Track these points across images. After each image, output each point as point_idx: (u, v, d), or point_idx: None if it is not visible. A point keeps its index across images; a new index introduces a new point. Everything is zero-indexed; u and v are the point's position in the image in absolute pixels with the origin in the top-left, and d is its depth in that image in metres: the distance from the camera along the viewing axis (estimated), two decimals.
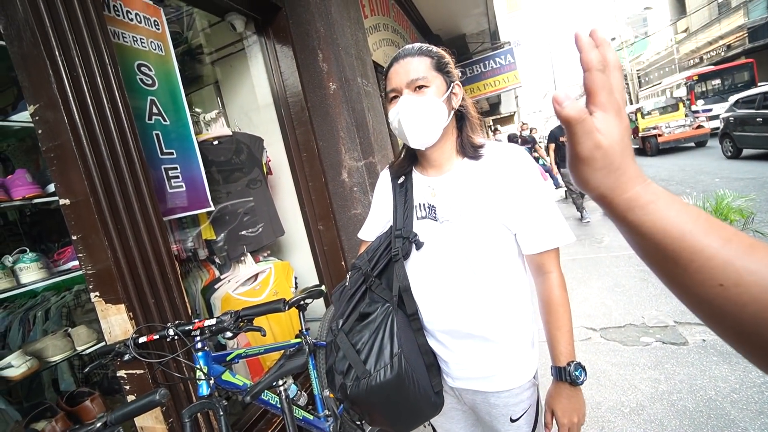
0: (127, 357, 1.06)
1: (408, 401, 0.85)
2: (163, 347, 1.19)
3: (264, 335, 1.04)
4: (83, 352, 1.24)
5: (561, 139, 4.53)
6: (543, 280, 0.89)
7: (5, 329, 1.73)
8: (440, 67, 0.90)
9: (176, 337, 1.04)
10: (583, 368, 0.84)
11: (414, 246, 0.92)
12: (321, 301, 2.35)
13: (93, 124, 1.12)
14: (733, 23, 15.60)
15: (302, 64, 2.31)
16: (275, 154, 2.40)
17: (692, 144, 10.96)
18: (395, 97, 0.90)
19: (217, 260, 2.03)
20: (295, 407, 1.44)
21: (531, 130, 8.49)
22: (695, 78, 14.02)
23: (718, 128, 8.63)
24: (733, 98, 8.23)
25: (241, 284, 1.95)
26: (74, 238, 1.16)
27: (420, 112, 0.85)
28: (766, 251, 0.28)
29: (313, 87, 2.32)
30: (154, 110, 1.52)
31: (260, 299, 1.98)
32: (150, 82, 1.51)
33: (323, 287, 2.00)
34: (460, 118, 0.94)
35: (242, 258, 2.02)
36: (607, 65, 0.33)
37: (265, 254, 2.28)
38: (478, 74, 7.92)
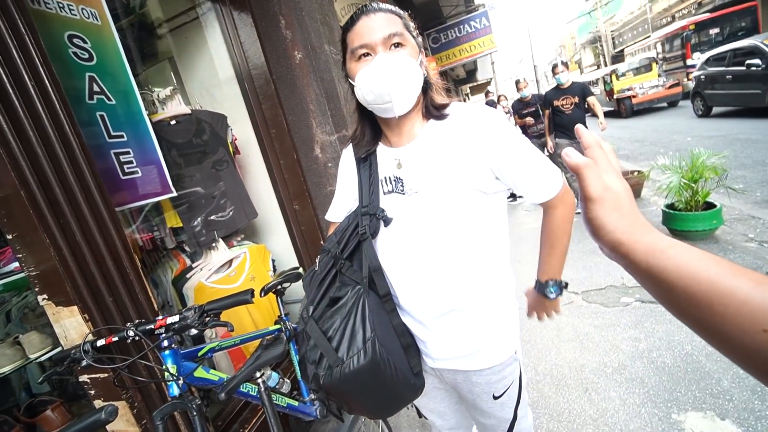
0: (84, 363, 0.97)
1: (385, 386, 0.82)
2: (128, 348, 1.11)
3: (231, 330, 0.96)
4: (37, 360, 1.14)
5: (556, 102, 4.03)
6: (546, 214, 0.90)
7: None
8: (409, 29, 0.82)
9: (136, 338, 0.95)
10: (560, 286, 0.93)
11: (382, 223, 0.86)
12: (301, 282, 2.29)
13: (13, 107, 0.98)
14: None
15: (263, 33, 2.13)
16: (242, 131, 2.25)
17: (665, 104, 11.11)
18: (365, 54, 0.79)
19: (187, 248, 1.92)
20: (278, 395, 1.40)
21: (498, 98, 6.60)
22: (691, 28, 11.91)
23: None
24: (704, 56, 8.28)
25: (214, 272, 1.86)
26: (9, 237, 1.03)
27: (404, 71, 0.76)
28: None
29: (277, 57, 2.15)
30: (95, 88, 1.36)
31: (236, 286, 1.89)
32: (86, 56, 1.34)
33: (300, 269, 1.94)
34: (424, 83, 0.86)
35: (214, 244, 1.91)
36: (601, 145, 0.39)
37: (239, 238, 2.18)
38: (453, 39, 7.69)
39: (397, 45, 0.78)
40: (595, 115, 4.15)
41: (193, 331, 0.94)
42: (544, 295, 0.93)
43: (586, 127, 0.41)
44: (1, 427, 1.10)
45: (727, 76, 7.12)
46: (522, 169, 0.79)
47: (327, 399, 0.89)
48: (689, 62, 11.28)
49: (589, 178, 0.37)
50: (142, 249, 1.81)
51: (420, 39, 0.86)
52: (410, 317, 0.91)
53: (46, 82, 1.05)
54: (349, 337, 0.79)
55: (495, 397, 0.92)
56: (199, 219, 1.83)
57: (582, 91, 4.01)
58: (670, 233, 3.04)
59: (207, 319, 0.95)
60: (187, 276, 1.81)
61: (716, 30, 11.80)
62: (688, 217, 2.85)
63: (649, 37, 16.93)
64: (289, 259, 2.41)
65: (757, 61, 6.43)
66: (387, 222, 0.85)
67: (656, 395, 1.60)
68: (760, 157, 4.53)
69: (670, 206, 3.00)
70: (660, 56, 13.21)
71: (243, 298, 1.00)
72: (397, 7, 0.84)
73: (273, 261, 2.23)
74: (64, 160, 1.06)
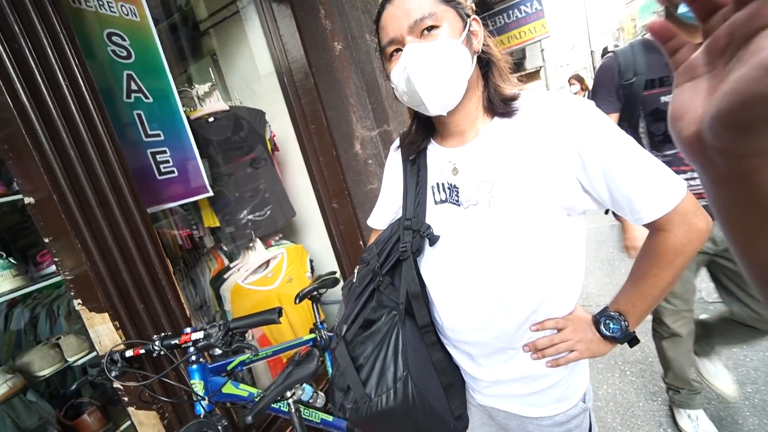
0: (114, 374, 0.93)
1: (419, 429, 0.70)
2: (159, 358, 1.07)
3: (255, 355, 0.88)
4: (75, 364, 1.13)
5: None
6: (654, 237, 0.64)
7: (35, 322, 1.68)
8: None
9: (161, 352, 0.90)
10: (626, 330, 0.67)
11: (427, 241, 0.72)
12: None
13: (47, 107, 0.95)
14: None
15: (302, 23, 2.04)
16: (281, 127, 2.19)
17: None
18: (396, 50, 0.65)
19: (225, 248, 1.90)
20: (311, 410, 1.32)
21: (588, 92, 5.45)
22: None
23: None
24: None
25: (251, 273, 1.82)
26: (46, 240, 1.01)
27: (436, 62, 0.61)
28: None
29: (316, 49, 2.06)
30: (133, 86, 1.33)
31: (273, 287, 1.85)
32: (124, 53, 1.31)
33: (338, 273, 1.85)
34: (485, 64, 0.69)
35: (251, 244, 1.88)
36: None
37: (277, 238, 2.14)
38: (501, 26, 7.24)
39: (431, 28, 0.62)
40: None
41: (217, 351, 0.86)
42: (597, 327, 0.70)
43: None
44: (45, 428, 1.12)
45: None
46: (621, 174, 0.58)
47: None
48: None
49: None
50: (182, 248, 1.81)
51: (468, 2, 0.67)
52: (457, 350, 0.78)
53: (80, 81, 1.01)
54: (380, 371, 0.69)
55: None
56: (236, 219, 1.79)
57: None
58: None
59: (232, 337, 0.87)
60: (225, 276, 1.78)
61: None
62: None
63: None
64: (327, 259, 2.34)
65: None
66: (433, 241, 0.71)
67: None
68: None
69: None
70: None
71: (269, 317, 0.91)
72: None
73: (311, 261, 2.17)
74: (97, 162, 1.02)
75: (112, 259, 1.04)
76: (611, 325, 0.68)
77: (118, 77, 1.28)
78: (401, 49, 0.64)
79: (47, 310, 1.63)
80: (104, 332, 1.05)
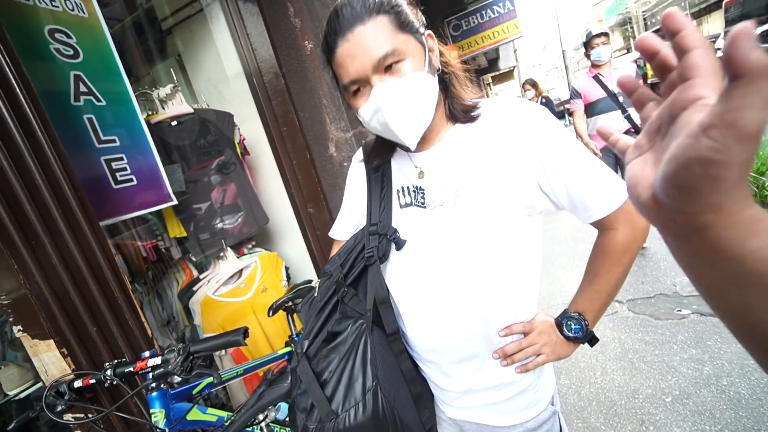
0: (60, 408, 0.84)
1: None
2: (115, 387, 0.97)
3: (214, 383, 0.80)
4: (15, 398, 1.02)
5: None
6: (602, 236, 0.70)
7: None
8: (403, 23, 0.60)
9: (114, 382, 0.81)
10: (586, 330, 0.69)
11: (393, 245, 0.70)
12: None
13: None
14: None
15: (271, 22, 1.95)
16: (252, 130, 2.10)
17: None
18: (359, 89, 0.62)
19: (193, 258, 1.79)
20: (288, 429, 1.24)
21: (541, 97, 5.57)
22: None
23: None
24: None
25: (222, 284, 1.72)
26: None
27: (408, 100, 0.60)
28: None
29: (286, 48, 1.98)
30: (82, 88, 1.22)
31: (246, 298, 1.75)
32: (71, 52, 1.20)
33: (314, 282, 1.77)
34: (442, 75, 0.69)
35: (222, 254, 1.78)
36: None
37: (250, 246, 2.04)
38: (474, 26, 7.30)
39: (394, 63, 0.60)
40: None
41: (177, 378, 0.78)
42: (560, 329, 0.71)
43: None
44: None
45: None
46: (577, 176, 0.62)
47: None
48: None
49: (756, 95, 0.19)
50: (146, 260, 1.70)
51: (418, 16, 0.65)
52: (424, 360, 0.75)
53: (12, 80, 0.91)
54: (346, 385, 0.66)
55: None
56: (205, 227, 1.69)
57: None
58: None
59: (192, 363, 0.79)
60: (194, 289, 1.68)
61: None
62: None
63: (686, 15, 15.74)
64: (304, 266, 2.25)
65: None
66: (400, 245, 0.69)
67: None
68: None
69: None
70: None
71: (234, 339, 0.83)
72: None
73: (287, 269, 2.08)
74: (36, 172, 0.92)
75: (57, 279, 0.94)
76: (573, 326, 0.70)
77: (63, 78, 1.17)
78: (366, 84, 0.61)
79: None
80: (50, 360, 0.95)
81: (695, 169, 0.22)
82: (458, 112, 0.68)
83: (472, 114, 0.67)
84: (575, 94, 2.89)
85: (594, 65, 2.80)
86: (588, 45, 2.80)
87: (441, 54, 0.68)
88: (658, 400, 1.56)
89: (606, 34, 2.78)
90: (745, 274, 0.23)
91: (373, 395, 0.64)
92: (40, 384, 1.01)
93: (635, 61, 5.02)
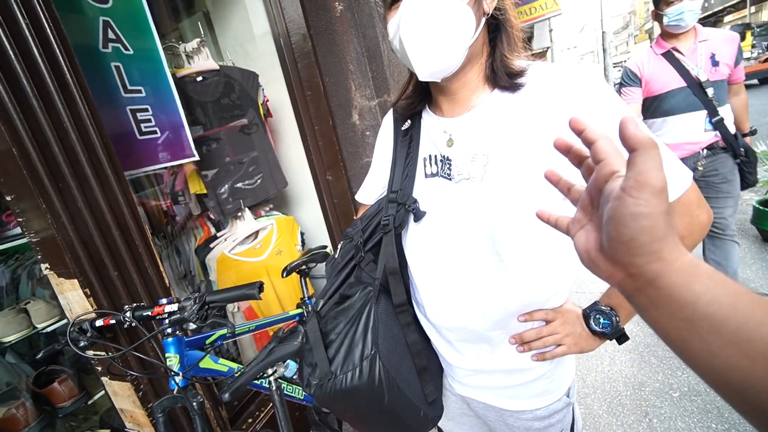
0: (82, 343, 0.88)
1: (384, 413, 0.67)
2: (133, 329, 1.01)
3: (227, 335, 0.82)
4: (42, 331, 1.07)
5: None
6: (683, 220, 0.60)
7: (16, 283, 1.61)
8: None
9: (132, 324, 0.84)
10: (615, 325, 0.61)
11: (412, 215, 0.67)
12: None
13: (5, 51, 0.84)
14: None
15: None
16: (275, 92, 2.07)
17: (755, 81, 9.65)
18: (396, 1, 0.57)
19: (212, 216, 1.82)
20: (295, 386, 1.28)
21: None
22: None
23: None
24: None
25: (239, 243, 1.75)
26: (8, 199, 0.93)
27: (431, 24, 0.54)
28: None
29: (316, 9, 1.91)
30: (110, 35, 1.21)
31: (261, 259, 1.78)
32: None
33: (329, 248, 1.78)
34: (494, 28, 0.61)
35: (240, 214, 1.80)
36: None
37: (267, 208, 2.06)
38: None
39: None
40: None
41: (192, 326, 0.80)
42: (586, 321, 0.64)
43: None
44: (13, 393, 1.07)
45: None
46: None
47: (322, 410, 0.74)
48: None
49: (653, 159, 0.26)
50: (166, 214, 1.73)
51: None
52: (437, 334, 0.74)
53: (45, 22, 0.90)
54: (348, 348, 0.66)
55: None
56: (225, 186, 1.70)
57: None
58: (760, 234, 2.59)
59: (207, 312, 0.81)
60: (211, 246, 1.72)
61: None
62: None
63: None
64: (319, 233, 2.27)
65: None
66: (418, 216, 0.66)
67: None
68: None
69: (764, 203, 2.54)
70: (756, 24, 11.39)
71: (249, 292, 0.84)
72: None
73: (302, 234, 2.10)
74: (65, 115, 0.93)
75: (82, 222, 0.96)
76: (601, 320, 0.63)
77: (92, 23, 1.17)
78: (400, 1, 0.56)
79: (28, 271, 1.56)
80: (74, 299, 0.99)
81: (630, 224, 0.27)
82: (501, 74, 0.59)
83: (517, 81, 0.59)
84: (631, 78, 1.82)
85: (666, 33, 1.71)
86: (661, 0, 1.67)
87: (501, 1, 0.59)
88: (665, 394, 1.54)
89: None
90: (701, 318, 0.25)
91: (370, 363, 0.64)
92: (65, 320, 1.06)
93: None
